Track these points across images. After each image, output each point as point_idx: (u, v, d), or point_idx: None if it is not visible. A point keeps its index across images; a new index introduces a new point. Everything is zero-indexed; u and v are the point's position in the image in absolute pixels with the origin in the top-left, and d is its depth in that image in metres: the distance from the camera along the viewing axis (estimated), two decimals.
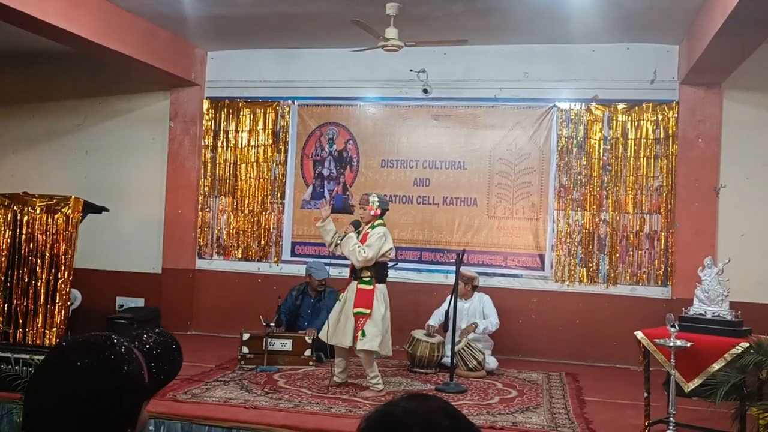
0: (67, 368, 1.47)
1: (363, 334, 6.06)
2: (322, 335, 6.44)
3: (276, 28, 8.10)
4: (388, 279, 8.18)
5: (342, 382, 6.46)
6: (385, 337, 6.20)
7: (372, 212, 6.25)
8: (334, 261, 7.08)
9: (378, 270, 6.22)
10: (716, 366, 4.99)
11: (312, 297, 7.78)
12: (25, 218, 6.47)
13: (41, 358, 1.57)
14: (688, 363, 5.07)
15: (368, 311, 6.07)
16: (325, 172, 8.99)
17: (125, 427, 1.52)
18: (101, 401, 1.46)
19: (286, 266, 8.94)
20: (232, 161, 9.21)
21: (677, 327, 4.94)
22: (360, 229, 6.32)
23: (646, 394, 5.39)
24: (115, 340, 1.55)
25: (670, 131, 8.08)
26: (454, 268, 7.04)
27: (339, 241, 6.21)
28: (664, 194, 8.10)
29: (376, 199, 6.30)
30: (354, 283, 6.24)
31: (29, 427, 1.48)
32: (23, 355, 5.72)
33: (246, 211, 9.15)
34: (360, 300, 6.14)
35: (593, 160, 8.28)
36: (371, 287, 6.16)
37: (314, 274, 7.66)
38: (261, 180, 9.11)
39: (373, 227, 6.25)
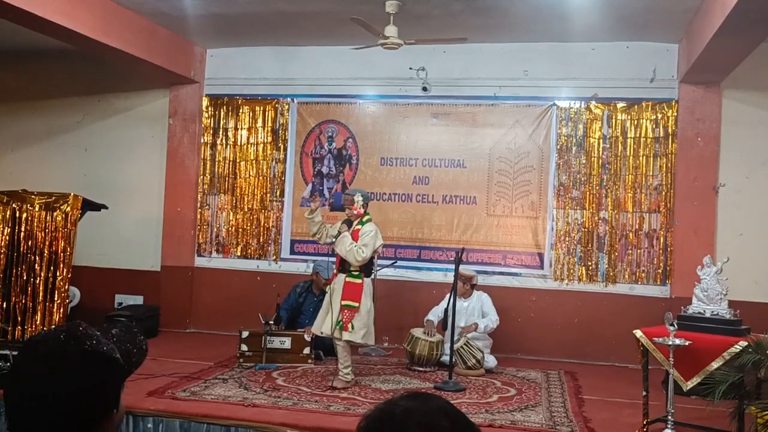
0: (47, 357, 1.49)
1: (351, 327, 6.23)
2: (313, 327, 6.67)
3: (275, 25, 8.09)
4: (387, 277, 8.27)
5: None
6: (370, 329, 6.40)
7: (356, 211, 6.41)
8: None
9: (366, 264, 6.38)
10: (715, 365, 5.00)
11: (316, 295, 7.79)
12: (24, 215, 6.46)
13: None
14: (687, 362, 5.08)
15: (357, 305, 6.24)
16: (325, 170, 8.98)
17: (112, 408, 1.55)
18: (89, 383, 1.49)
19: (285, 264, 8.94)
20: (231, 159, 9.20)
21: (676, 326, 4.95)
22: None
23: (644, 393, 5.39)
24: (86, 327, 1.57)
25: (670, 130, 8.08)
26: (453, 266, 7.04)
27: (334, 239, 6.36)
28: (663, 193, 8.10)
29: (360, 198, 6.45)
30: (342, 276, 6.37)
31: (20, 418, 1.47)
32: None
33: (245, 209, 9.14)
34: (349, 293, 6.29)
35: (592, 158, 8.28)
36: (360, 281, 6.31)
37: (321, 273, 7.69)
38: (260, 178, 9.11)
39: (362, 223, 6.38)
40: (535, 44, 8.30)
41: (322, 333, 6.50)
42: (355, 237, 6.30)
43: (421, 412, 1.39)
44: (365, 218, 6.43)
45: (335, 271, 6.49)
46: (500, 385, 6.76)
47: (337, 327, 6.24)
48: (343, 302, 6.27)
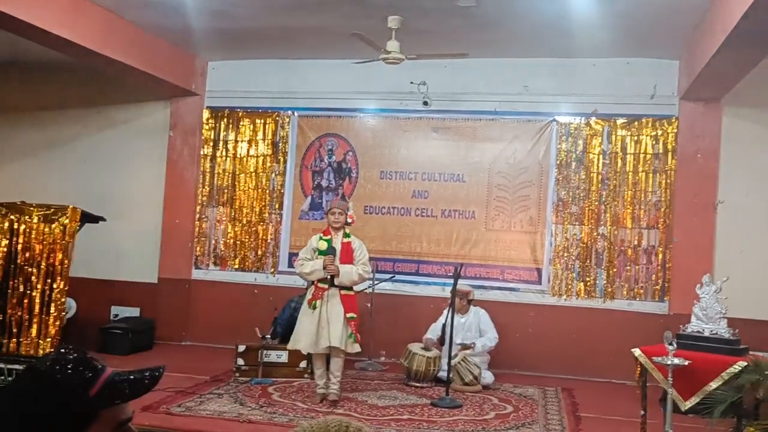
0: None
1: (353, 338, 6.22)
2: (301, 346, 6.35)
3: (277, 39, 8.10)
4: (385, 292, 8.26)
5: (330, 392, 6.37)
6: None
7: (351, 221, 6.44)
8: None
9: None
10: (713, 385, 4.96)
11: None
12: (22, 227, 6.45)
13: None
14: (686, 381, 5.03)
15: (355, 315, 6.30)
16: (324, 183, 8.97)
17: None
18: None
19: (283, 277, 8.91)
20: (230, 171, 9.19)
21: (675, 345, 4.92)
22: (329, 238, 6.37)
23: (642, 412, 5.35)
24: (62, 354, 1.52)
25: (669, 146, 8.08)
26: (450, 280, 7.01)
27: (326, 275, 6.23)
28: (663, 209, 8.08)
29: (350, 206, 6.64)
30: (335, 290, 6.24)
31: None
32: (16, 366, 5.69)
33: (244, 222, 9.12)
34: (349, 306, 6.28)
35: (592, 174, 8.27)
36: (354, 293, 6.39)
37: None
38: (259, 190, 9.09)
39: (347, 236, 6.39)
40: (535, 60, 8.31)
41: (331, 346, 6.19)
42: (346, 250, 6.28)
43: None
44: (348, 230, 6.43)
45: (325, 285, 6.23)
46: (497, 401, 6.72)
47: (350, 340, 6.20)
48: (349, 315, 6.23)
